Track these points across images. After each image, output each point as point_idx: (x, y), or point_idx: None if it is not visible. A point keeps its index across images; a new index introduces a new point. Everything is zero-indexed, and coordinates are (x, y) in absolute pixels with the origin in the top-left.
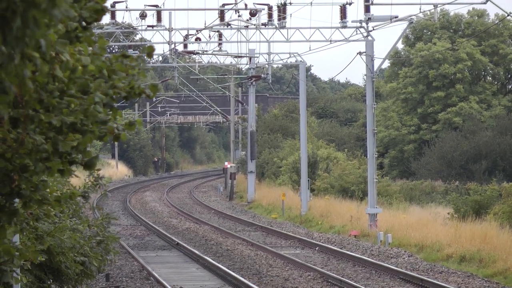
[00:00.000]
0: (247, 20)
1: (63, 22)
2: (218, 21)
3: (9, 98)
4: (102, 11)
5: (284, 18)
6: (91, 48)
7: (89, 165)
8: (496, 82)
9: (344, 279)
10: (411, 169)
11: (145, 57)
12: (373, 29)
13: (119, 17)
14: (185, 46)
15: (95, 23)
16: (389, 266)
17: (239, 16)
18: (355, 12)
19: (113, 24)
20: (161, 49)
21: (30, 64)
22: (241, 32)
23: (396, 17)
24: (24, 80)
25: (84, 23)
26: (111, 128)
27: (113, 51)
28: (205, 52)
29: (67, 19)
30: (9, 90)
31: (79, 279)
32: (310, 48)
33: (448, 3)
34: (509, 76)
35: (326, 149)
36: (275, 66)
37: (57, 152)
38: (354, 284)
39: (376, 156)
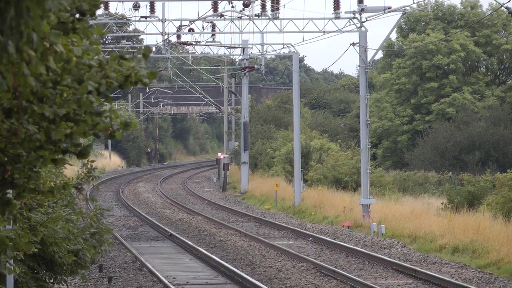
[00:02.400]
0: (241, 11)
1: (55, 12)
2: (211, 12)
3: (3, 88)
4: (98, 4)
5: (277, 9)
6: (87, 40)
7: (83, 154)
8: (489, 73)
9: (337, 269)
10: (404, 160)
11: (141, 57)
12: (367, 20)
13: (113, 8)
14: (179, 37)
15: (89, 15)
16: (382, 256)
17: (232, 7)
18: (349, 2)
19: (106, 15)
20: (154, 40)
21: (27, 57)
22: (234, 23)
23: (390, 8)
24: (26, 77)
25: (78, 15)
26: (107, 126)
27: (107, 42)
28: (198, 43)
29: (59, 10)
30: (7, 81)
31: (72, 270)
32: (303, 39)
33: None
34: (502, 66)
35: (319, 139)
36: (268, 57)
37: (50, 140)
38: (347, 274)
39: (369, 146)
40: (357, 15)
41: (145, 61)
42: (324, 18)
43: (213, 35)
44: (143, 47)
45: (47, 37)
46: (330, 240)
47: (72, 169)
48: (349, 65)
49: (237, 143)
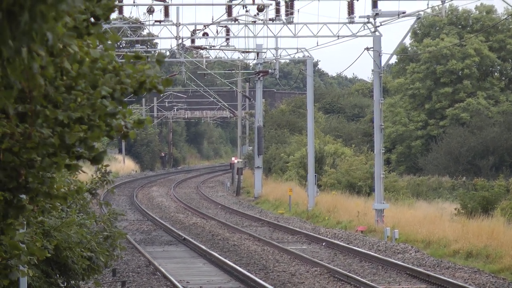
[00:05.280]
0: (255, 15)
1: (71, 15)
2: (225, 16)
3: (14, 94)
4: (112, 8)
5: (292, 13)
6: (101, 44)
7: (97, 160)
8: (503, 78)
9: (350, 274)
10: (418, 165)
11: (155, 63)
12: (381, 25)
13: (127, 12)
14: (193, 41)
15: (103, 20)
16: (396, 261)
17: (246, 11)
18: (363, 7)
19: (120, 19)
20: (168, 44)
21: (38, 58)
22: (248, 27)
23: (404, 12)
24: (34, 75)
25: (93, 19)
26: (120, 125)
27: (121, 46)
28: (212, 47)
29: (74, 13)
30: (14, 86)
31: (86, 274)
32: (317, 43)
33: None
34: None
35: (333, 144)
36: (282, 61)
37: (64, 145)
38: (361, 279)
39: (383, 151)
40: (371, 19)
41: (159, 67)
42: (339, 23)
43: (227, 39)
44: (156, 53)
45: (60, 39)
46: (344, 245)
47: (86, 174)
48: (363, 70)
49: (251, 147)
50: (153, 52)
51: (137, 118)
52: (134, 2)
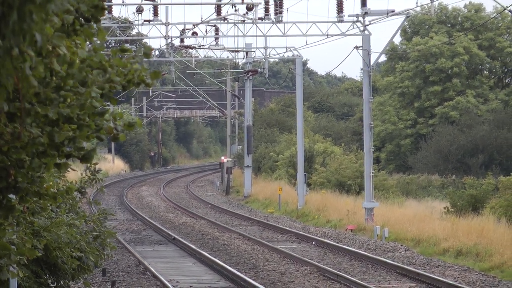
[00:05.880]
0: (244, 14)
1: (59, 15)
2: (214, 16)
3: (5, 92)
4: (101, 9)
5: (281, 12)
6: (90, 43)
7: (86, 158)
8: (493, 76)
9: (340, 273)
10: (407, 163)
11: (142, 56)
12: (370, 23)
13: (116, 12)
14: (182, 40)
15: (93, 21)
16: (386, 260)
17: (235, 10)
18: (352, 6)
19: (109, 18)
20: (157, 43)
21: (29, 58)
22: (237, 27)
23: (393, 11)
24: (27, 77)
25: (82, 20)
26: (110, 128)
27: (110, 45)
28: (201, 47)
29: (62, 13)
30: (7, 84)
31: (76, 274)
32: (306, 42)
33: None
34: (506, 70)
35: (322, 143)
36: (271, 60)
37: (53, 144)
38: (351, 278)
39: (373, 150)
40: (360, 18)
41: (146, 59)
42: (328, 22)
43: (216, 38)
44: (143, 46)
45: (50, 40)
46: (334, 243)
47: (75, 172)
48: (352, 69)
49: (240, 146)
50: (138, 47)
51: (127, 121)
52: (123, 2)
